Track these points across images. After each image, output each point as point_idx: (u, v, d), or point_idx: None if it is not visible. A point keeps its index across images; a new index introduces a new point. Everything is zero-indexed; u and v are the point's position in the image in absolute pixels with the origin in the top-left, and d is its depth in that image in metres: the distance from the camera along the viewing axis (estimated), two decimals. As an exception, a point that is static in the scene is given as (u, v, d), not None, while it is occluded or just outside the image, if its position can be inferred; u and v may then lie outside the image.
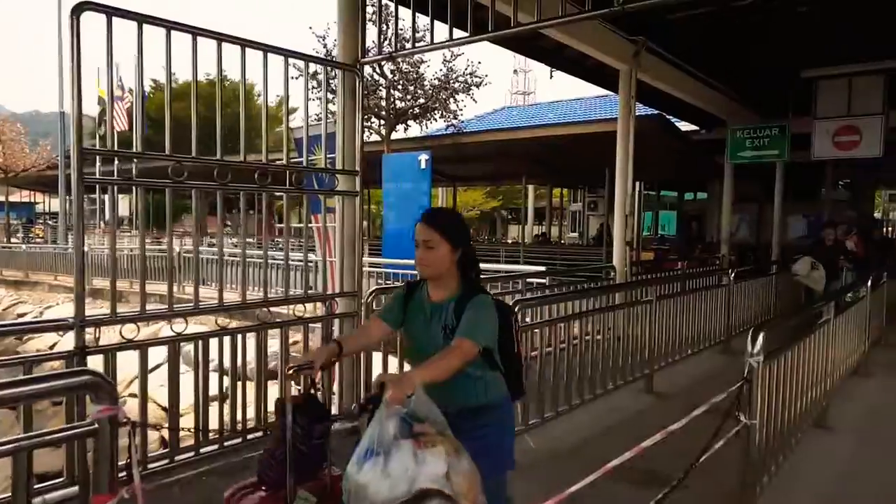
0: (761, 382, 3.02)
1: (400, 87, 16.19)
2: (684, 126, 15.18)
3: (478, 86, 16.56)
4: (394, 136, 16.19)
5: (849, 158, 10.72)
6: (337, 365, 3.64)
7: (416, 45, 4.58)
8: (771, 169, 12.87)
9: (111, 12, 3.04)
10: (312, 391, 2.41)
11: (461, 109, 17.08)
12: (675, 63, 9.43)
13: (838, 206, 15.54)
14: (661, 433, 2.62)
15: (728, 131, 11.96)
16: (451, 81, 16.47)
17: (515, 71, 59.90)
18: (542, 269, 8.76)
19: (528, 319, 4.65)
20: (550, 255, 16.48)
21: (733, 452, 3.02)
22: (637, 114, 8.51)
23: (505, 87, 60.51)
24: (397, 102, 16.31)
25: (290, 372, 2.32)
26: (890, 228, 22.10)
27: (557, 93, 58.71)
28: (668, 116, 13.36)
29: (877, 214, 23.81)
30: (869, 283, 6.05)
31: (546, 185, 25.53)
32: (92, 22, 3.06)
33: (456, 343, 2.06)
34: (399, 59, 15.48)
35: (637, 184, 14.68)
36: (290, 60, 3.99)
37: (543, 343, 4.44)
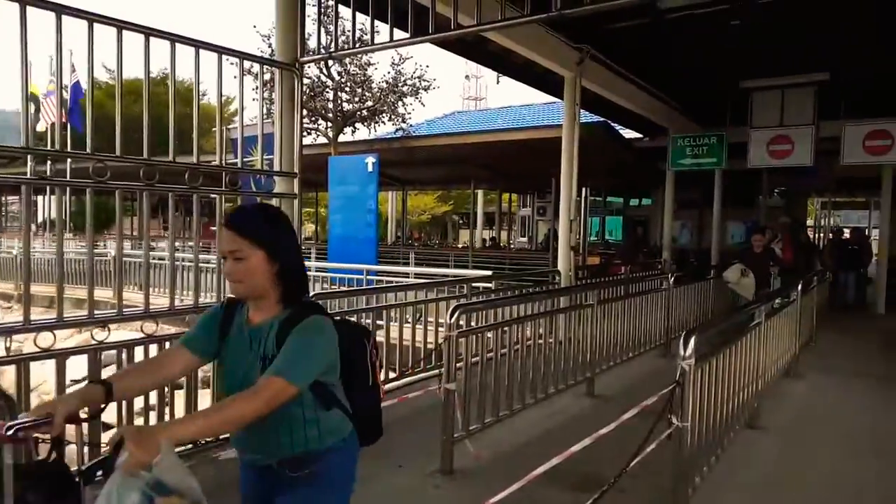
0: (692, 385, 3.06)
1: (347, 88, 16.04)
2: (629, 134, 15.54)
3: (426, 89, 16.56)
4: (342, 138, 16.02)
5: (782, 167, 11.18)
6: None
7: (357, 45, 4.52)
8: (711, 176, 13.30)
9: (26, 2, 2.87)
10: (54, 456, 1.58)
11: (409, 113, 17.06)
12: (619, 72, 9.63)
13: (773, 213, 16.15)
14: (589, 438, 2.63)
15: (669, 139, 12.30)
16: (400, 84, 16.42)
17: (467, 76, 60.52)
18: (489, 273, 8.79)
19: (472, 324, 4.63)
20: (499, 259, 16.59)
21: (668, 454, 3.06)
22: (582, 121, 8.63)
23: (457, 92, 61.03)
24: (345, 105, 16.15)
25: (8, 434, 1.43)
26: (821, 234, 23.09)
27: (508, 98, 59.56)
28: (612, 124, 13.64)
29: (810, 221, 24.89)
30: (800, 287, 6.27)
31: (496, 190, 25.71)
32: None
33: (262, 384, 1.57)
34: (346, 61, 15.33)
35: (584, 190, 14.91)
36: (229, 59, 3.86)
37: (485, 348, 4.42)
